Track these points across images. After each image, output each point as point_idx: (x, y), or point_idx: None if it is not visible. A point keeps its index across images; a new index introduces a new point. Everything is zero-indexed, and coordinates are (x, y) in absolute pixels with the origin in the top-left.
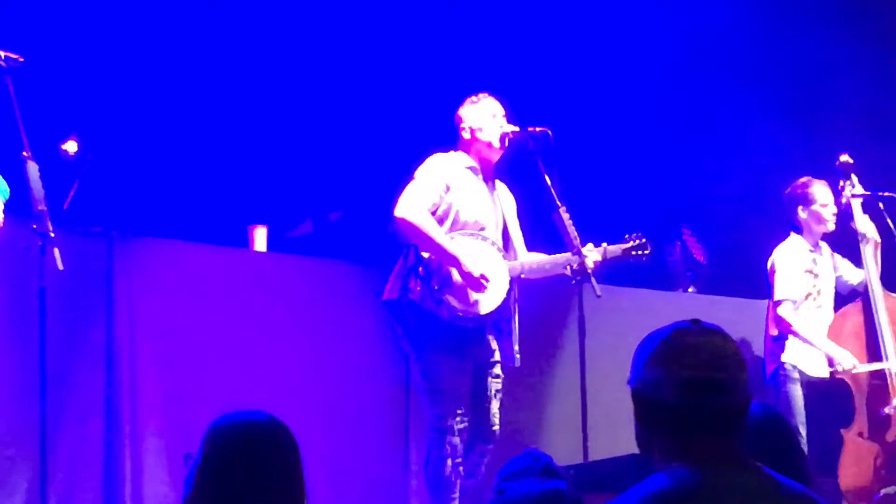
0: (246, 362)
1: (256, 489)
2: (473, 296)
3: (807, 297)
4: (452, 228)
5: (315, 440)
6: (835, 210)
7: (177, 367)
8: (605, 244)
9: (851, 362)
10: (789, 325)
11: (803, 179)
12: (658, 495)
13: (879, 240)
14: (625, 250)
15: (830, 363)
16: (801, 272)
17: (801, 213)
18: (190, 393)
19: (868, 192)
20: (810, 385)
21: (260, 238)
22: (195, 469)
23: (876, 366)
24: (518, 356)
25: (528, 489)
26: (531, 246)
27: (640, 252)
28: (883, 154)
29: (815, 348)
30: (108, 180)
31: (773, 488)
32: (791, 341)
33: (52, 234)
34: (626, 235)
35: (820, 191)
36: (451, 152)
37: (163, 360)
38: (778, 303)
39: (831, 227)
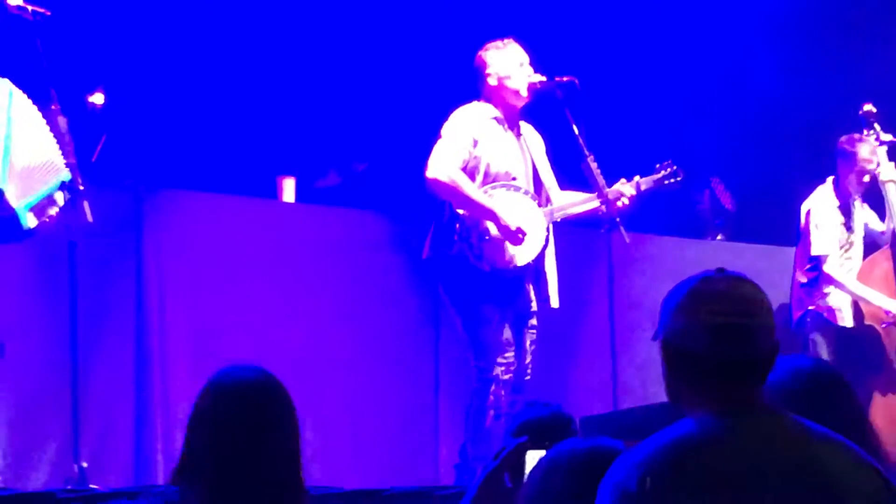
0: (274, 313)
1: (248, 445)
2: (511, 248)
3: (839, 249)
4: (484, 182)
5: (343, 392)
6: (874, 172)
7: (206, 319)
8: (637, 177)
9: None
10: (838, 282)
11: (854, 138)
12: (683, 440)
13: None
14: (657, 180)
15: (887, 314)
16: (837, 224)
17: (843, 168)
18: (220, 345)
19: (895, 139)
20: (837, 332)
21: (288, 189)
22: (189, 424)
23: None
24: (555, 297)
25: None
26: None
27: (673, 180)
28: None
29: (865, 302)
30: (136, 133)
31: (799, 436)
32: (817, 289)
33: (82, 188)
34: (657, 165)
35: (865, 151)
36: (474, 103)
37: (192, 313)
38: (818, 258)
39: (866, 183)
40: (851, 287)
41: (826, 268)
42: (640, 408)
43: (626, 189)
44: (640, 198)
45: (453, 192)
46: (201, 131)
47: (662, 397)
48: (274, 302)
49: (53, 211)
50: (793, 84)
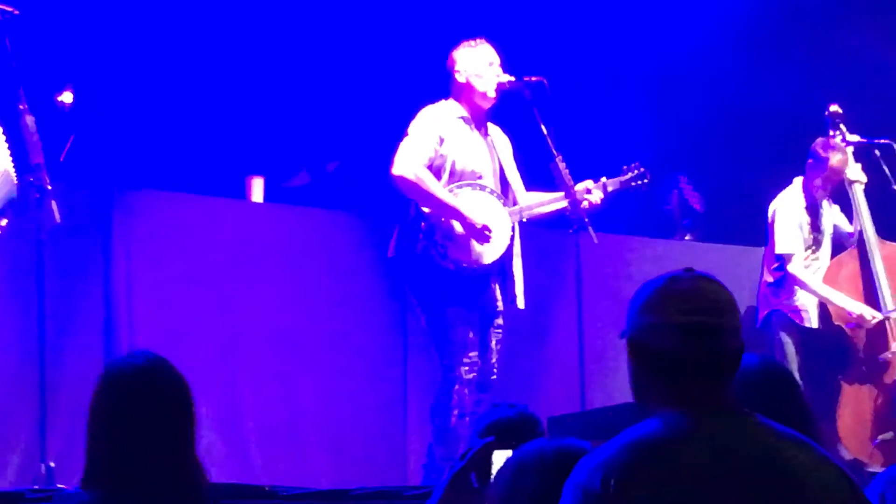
0: (243, 313)
1: (137, 433)
2: (477, 247)
3: (806, 249)
4: (450, 180)
5: (312, 392)
6: (842, 179)
7: (174, 319)
8: (604, 178)
9: (871, 314)
10: (802, 281)
11: (829, 144)
12: (649, 439)
13: (866, 180)
14: (623, 182)
15: (849, 316)
16: (803, 224)
17: (813, 171)
18: (188, 345)
19: (863, 140)
20: (803, 332)
21: (257, 189)
22: (87, 423)
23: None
24: (521, 298)
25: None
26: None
27: (639, 181)
28: (876, 101)
29: (831, 304)
30: (105, 132)
31: (763, 434)
32: (784, 289)
33: (50, 187)
34: (624, 167)
35: (836, 161)
36: (442, 102)
37: (160, 313)
38: (783, 257)
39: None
40: (815, 287)
41: (790, 267)
42: (607, 408)
43: (592, 189)
44: (607, 198)
45: (418, 189)
46: (170, 131)
47: (629, 397)
48: (243, 302)
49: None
50: (761, 85)
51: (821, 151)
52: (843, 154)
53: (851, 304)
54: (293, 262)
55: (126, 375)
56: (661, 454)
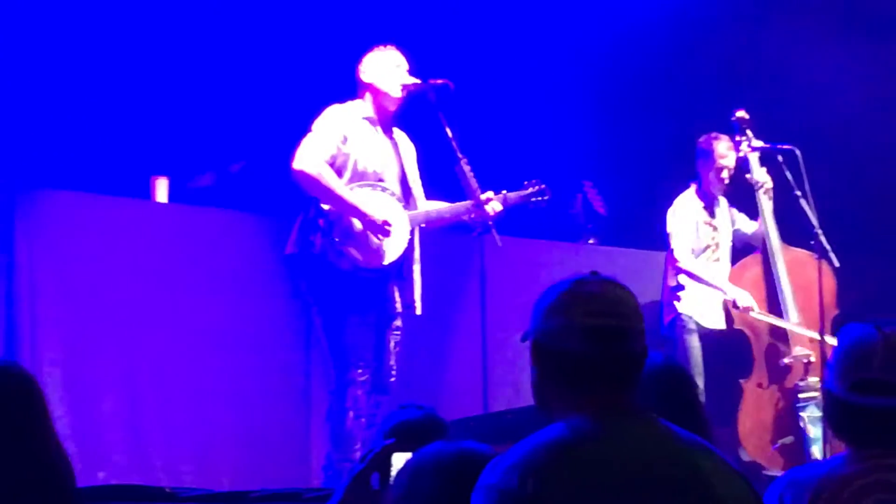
0: (147, 314)
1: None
2: (374, 246)
3: (705, 250)
4: (351, 180)
5: (215, 393)
6: (732, 168)
7: (78, 320)
8: (504, 191)
9: (750, 302)
10: (689, 272)
11: (711, 136)
12: (554, 443)
13: (772, 184)
14: (524, 196)
15: (733, 305)
16: (700, 223)
17: (703, 168)
18: (92, 346)
19: (767, 145)
20: (707, 336)
21: (161, 189)
22: None
23: (775, 320)
24: (419, 304)
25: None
26: (432, 197)
27: (539, 198)
28: (777, 107)
29: (716, 291)
30: (8, 132)
31: (669, 439)
32: (688, 292)
33: None
34: (525, 182)
35: (722, 148)
36: (349, 102)
37: (63, 312)
38: (674, 252)
39: (726, 182)
40: (695, 270)
41: (678, 256)
42: (510, 410)
43: (492, 203)
44: (506, 210)
45: (318, 184)
46: (74, 130)
47: (533, 400)
48: (146, 303)
49: None
50: (663, 90)
51: (704, 146)
52: (727, 142)
53: (733, 290)
54: (198, 263)
55: None
56: (574, 457)
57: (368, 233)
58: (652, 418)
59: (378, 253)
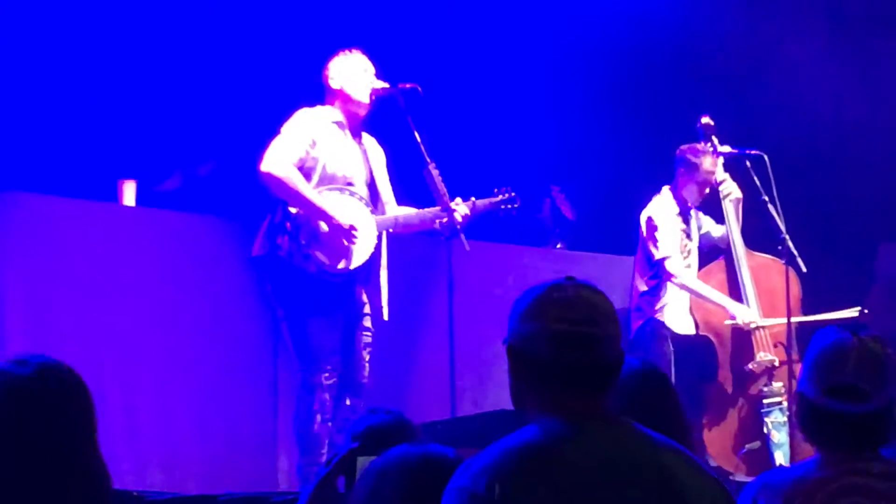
0: (115, 318)
1: (18, 451)
2: (342, 251)
3: (679, 254)
4: (320, 184)
5: (182, 396)
6: (714, 184)
7: (45, 323)
8: (473, 198)
9: (753, 317)
10: (682, 282)
11: (697, 148)
12: (530, 446)
13: (741, 196)
14: (493, 204)
15: (732, 319)
16: (676, 229)
17: (685, 177)
18: (59, 349)
19: (734, 150)
20: (675, 341)
21: (129, 192)
22: None
23: (776, 321)
24: (386, 310)
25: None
26: (401, 202)
27: (509, 206)
28: (745, 112)
29: (710, 302)
30: None
31: (642, 444)
32: (662, 298)
33: None
34: (495, 189)
35: (708, 163)
36: (318, 107)
37: (30, 315)
38: (661, 261)
39: (706, 194)
40: (695, 286)
41: (670, 265)
42: (478, 415)
43: (461, 209)
44: (474, 216)
45: (285, 187)
46: (41, 132)
47: (501, 405)
48: (113, 306)
49: None
50: (631, 95)
51: (691, 157)
52: (712, 157)
53: (728, 303)
54: (165, 267)
55: (13, 389)
56: (544, 461)
57: (335, 236)
58: (627, 423)
59: (345, 257)
